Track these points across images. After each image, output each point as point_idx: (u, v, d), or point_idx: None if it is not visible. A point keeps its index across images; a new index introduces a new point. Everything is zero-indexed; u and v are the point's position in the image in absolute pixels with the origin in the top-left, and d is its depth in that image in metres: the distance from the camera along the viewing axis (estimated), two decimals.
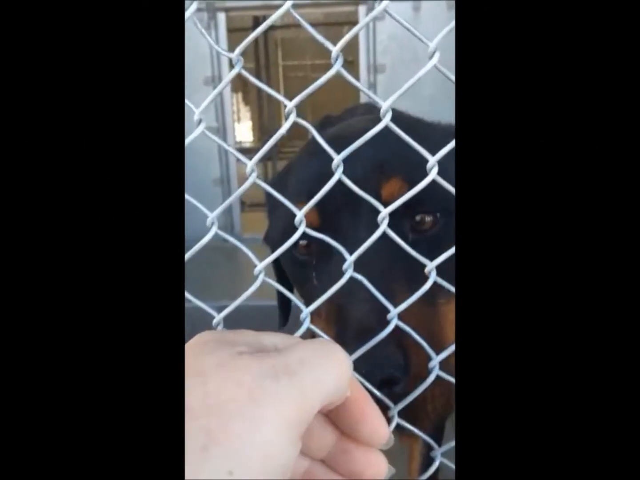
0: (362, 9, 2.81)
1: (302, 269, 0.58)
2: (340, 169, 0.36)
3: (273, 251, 0.39)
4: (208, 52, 2.82)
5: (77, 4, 0.28)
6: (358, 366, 0.37)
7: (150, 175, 0.29)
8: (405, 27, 0.34)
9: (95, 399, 0.27)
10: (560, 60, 0.29)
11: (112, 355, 0.27)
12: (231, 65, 0.36)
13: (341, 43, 0.33)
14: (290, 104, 0.36)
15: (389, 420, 0.38)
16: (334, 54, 0.35)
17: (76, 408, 0.26)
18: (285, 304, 0.84)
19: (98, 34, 0.28)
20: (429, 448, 0.87)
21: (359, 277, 0.37)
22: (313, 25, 0.36)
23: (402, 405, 0.39)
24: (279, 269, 0.72)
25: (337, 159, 0.36)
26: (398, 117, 0.36)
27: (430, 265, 0.36)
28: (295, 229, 0.38)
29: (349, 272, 0.37)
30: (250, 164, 0.38)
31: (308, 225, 0.41)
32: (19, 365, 0.27)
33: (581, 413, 0.29)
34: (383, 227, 0.36)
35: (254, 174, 0.38)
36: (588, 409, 0.29)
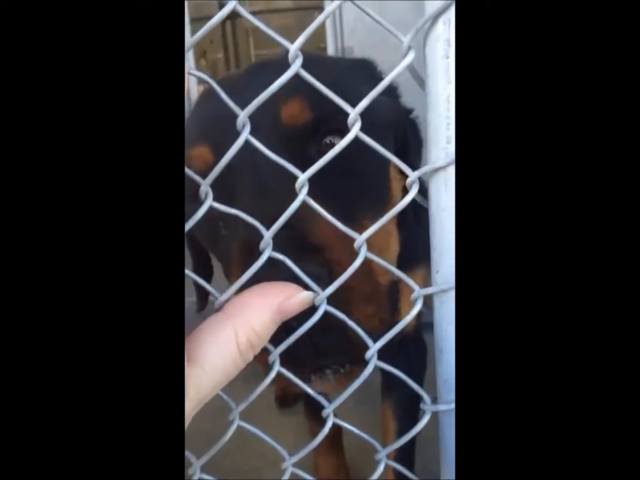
0: None
1: (209, 227, 0.52)
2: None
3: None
4: None
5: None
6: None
7: (149, 175, 0.27)
8: (374, 18, 0.29)
9: (93, 394, 0.26)
10: (558, 58, 0.27)
11: (113, 348, 0.26)
12: (196, 59, 0.31)
13: (297, 43, 0.28)
14: (241, 114, 0.30)
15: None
16: (292, 54, 0.30)
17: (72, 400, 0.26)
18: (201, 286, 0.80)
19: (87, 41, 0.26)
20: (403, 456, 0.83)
21: None
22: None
23: None
24: (194, 244, 0.67)
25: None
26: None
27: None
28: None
29: None
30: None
31: (202, 165, 0.40)
32: (21, 355, 0.25)
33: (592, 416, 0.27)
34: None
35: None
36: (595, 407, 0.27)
